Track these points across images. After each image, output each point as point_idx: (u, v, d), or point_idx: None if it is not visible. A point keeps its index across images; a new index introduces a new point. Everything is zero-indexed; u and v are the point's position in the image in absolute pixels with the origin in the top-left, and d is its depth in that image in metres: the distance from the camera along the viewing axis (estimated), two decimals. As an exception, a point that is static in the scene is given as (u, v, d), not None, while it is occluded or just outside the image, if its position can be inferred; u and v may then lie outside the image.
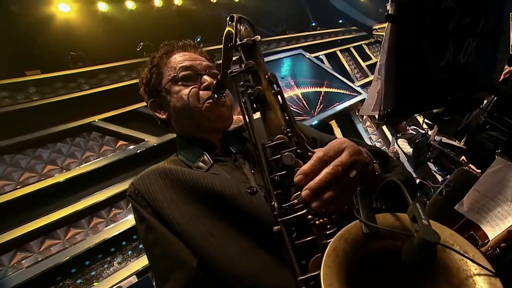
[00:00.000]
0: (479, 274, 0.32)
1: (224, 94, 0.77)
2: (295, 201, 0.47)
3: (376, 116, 0.57)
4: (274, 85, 0.55)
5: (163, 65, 0.84)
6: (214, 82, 0.73)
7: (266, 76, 0.55)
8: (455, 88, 0.64)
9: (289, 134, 0.52)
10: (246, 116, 0.55)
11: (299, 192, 0.46)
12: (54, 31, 4.29)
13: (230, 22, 0.60)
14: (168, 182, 0.72)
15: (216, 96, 0.74)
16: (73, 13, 4.51)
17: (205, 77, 0.80)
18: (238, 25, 0.58)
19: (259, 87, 0.54)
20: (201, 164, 0.75)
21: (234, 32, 0.58)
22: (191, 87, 0.79)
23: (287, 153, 0.49)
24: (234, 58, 0.62)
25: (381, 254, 0.39)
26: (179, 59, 0.83)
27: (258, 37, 0.58)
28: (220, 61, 0.66)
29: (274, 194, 0.49)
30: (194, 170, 0.74)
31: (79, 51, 4.40)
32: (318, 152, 0.47)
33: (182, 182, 0.71)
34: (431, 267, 0.37)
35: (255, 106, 0.55)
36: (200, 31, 5.29)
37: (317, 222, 0.45)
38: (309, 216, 0.46)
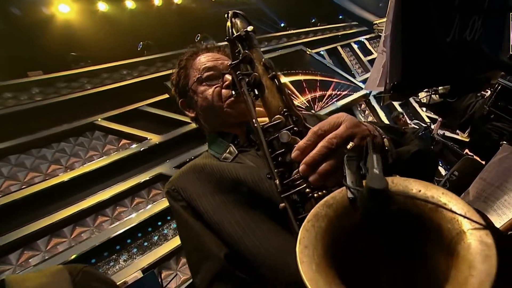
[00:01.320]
0: (470, 229, 0.31)
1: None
2: (295, 176, 0.48)
3: (382, 90, 0.56)
4: (270, 70, 0.57)
5: (189, 67, 0.91)
6: None
7: (261, 62, 0.57)
8: (462, 66, 0.63)
9: (286, 114, 0.53)
10: (247, 103, 0.57)
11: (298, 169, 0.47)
12: (55, 32, 4.31)
13: (227, 18, 0.64)
14: (199, 176, 0.79)
15: (234, 93, 0.77)
16: (73, 14, 4.52)
17: (227, 76, 0.84)
18: (233, 19, 0.62)
19: (255, 73, 0.56)
20: (227, 155, 0.81)
21: (230, 27, 0.62)
22: (214, 86, 0.85)
23: (284, 131, 0.50)
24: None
25: (364, 227, 0.37)
26: (203, 60, 0.89)
27: (251, 27, 0.60)
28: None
29: (275, 172, 0.50)
30: (221, 162, 0.80)
31: (80, 51, 4.41)
32: (313, 127, 0.48)
33: (211, 174, 0.77)
34: (422, 228, 0.36)
35: (256, 92, 0.57)
36: (200, 29, 5.28)
37: (315, 195, 0.46)
38: (307, 190, 0.46)
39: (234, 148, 0.82)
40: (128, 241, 3.08)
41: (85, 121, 3.58)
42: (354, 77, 5.94)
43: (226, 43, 0.95)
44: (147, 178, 3.39)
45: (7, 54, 3.70)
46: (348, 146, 0.44)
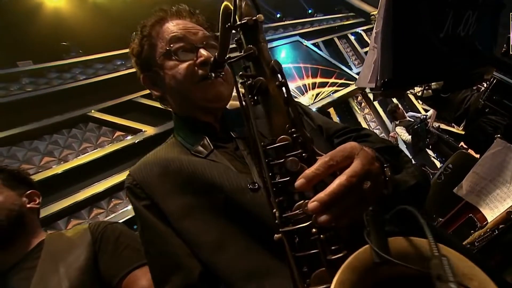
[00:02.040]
0: None
1: (222, 73, 0.71)
2: (297, 211, 0.43)
3: (373, 87, 0.55)
4: (279, 75, 0.48)
5: (155, 35, 0.75)
6: (211, 57, 0.65)
7: (270, 65, 0.48)
8: (455, 61, 0.62)
9: (294, 135, 0.45)
10: (247, 112, 0.49)
11: (303, 202, 0.42)
12: (44, 20, 4.18)
13: None
14: (164, 171, 0.68)
15: (213, 75, 0.67)
16: (62, 1, 4.39)
17: (202, 51, 0.71)
18: (237, 1, 0.49)
19: (261, 78, 0.47)
20: (200, 148, 0.70)
21: (233, 8, 0.49)
22: (186, 62, 0.71)
23: (291, 158, 0.44)
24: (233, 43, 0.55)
25: (390, 281, 0.36)
26: (171, 28, 0.74)
27: (261, 17, 0.49)
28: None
29: (276, 202, 0.44)
30: (192, 157, 0.69)
31: (71, 40, 4.30)
32: (324, 157, 0.41)
33: (180, 171, 0.67)
34: None
35: (255, 98, 0.48)
36: (196, 19, 5.18)
37: (321, 236, 0.41)
38: (314, 230, 0.41)
39: (209, 142, 0.71)
40: (118, 222, 3.09)
41: (79, 113, 3.54)
42: (350, 68, 5.92)
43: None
44: (142, 170, 3.38)
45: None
46: (365, 187, 0.40)
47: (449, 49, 0.58)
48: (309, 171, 0.40)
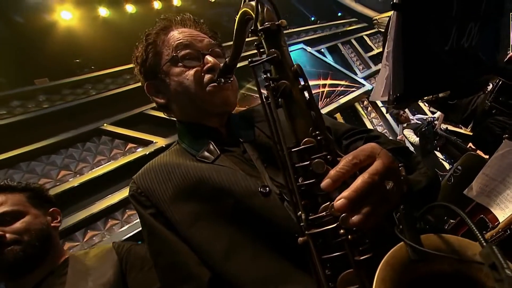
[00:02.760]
0: None
1: (231, 79, 0.71)
2: (324, 213, 0.42)
3: (386, 100, 0.60)
4: (301, 79, 0.48)
5: (160, 43, 0.75)
6: (220, 63, 0.67)
7: (292, 69, 0.48)
8: (460, 72, 0.67)
9: (318, 138, 0.45)
10: (270, 116, 0.48)
11: (329, 203, 0.41)
12: (58, 39, 4.34)
13: (247, 1, 0.53)
14: (169, 177, 0.66)
15: (222, 80, 0.68)
16: (75, 20, 4.56)
17: (208, 57, 0.71)
18: (259, 5, 0.49)
19: (285, 81, 0.47)
20: (206, 154, 0.68)
21: (254, 14, 0.50)
22: (193, 69, 0.71)
23: (317, 160, 0.43)
24: (250, 42, 0.55)
25: (426, 278, 0.37)
26: (177, 36, 0.74)
27: (284, 22, 0.49)
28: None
29: (301, 204, 0.44)
30: (198, 163, 0.67)
31: (83, 57, 4.46)
32: (348, 156, 0.42)
33: (186, 177, 0.65)
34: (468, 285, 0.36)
35: (278, 102, 0.48)
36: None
37: (349, 237, 0.40)
38: (341, 231, 0.41)
39: (215, 147, 0.69)
40: (139, 242, 3.14)
41: (92, 127, 3.65)
42: (355, 74, 5.95)
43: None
44: (155, 181, 3.44)
45: (12, 62, 3.76)
46: (388, 187, 0.41)
47: (454, 61, 0.62)
48: (333, 171, 0.41)
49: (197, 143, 0.72)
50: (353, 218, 0.38)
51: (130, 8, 5.17)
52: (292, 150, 0.46)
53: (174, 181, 0.65)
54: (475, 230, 0.34)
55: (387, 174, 0.41)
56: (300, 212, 0.44)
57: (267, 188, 0.60)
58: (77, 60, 4.36)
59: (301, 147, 0.45)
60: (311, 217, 0.43)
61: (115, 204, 3.20)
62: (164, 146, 3.68)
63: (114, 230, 3.12)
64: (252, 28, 0.51)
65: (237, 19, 0.55)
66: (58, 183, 3.14)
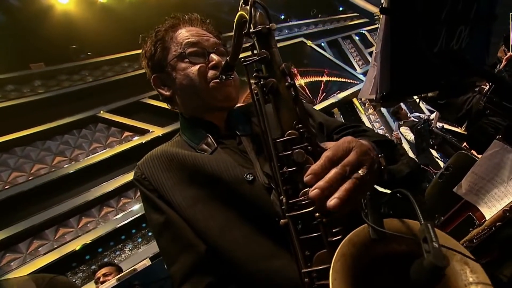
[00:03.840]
0: (475, 283, 0.35)
1: (232, 76, 0.76)
2: (303, 197, 0.48)
3: (374, 99, 0.62)
4: (288, 78, 0.53)
5: (169, 39, 0.80)
6: (222, 61, 0.72)
7: (280, 68, 0.53)
8: (448, 73, 0.68)
9: (301, 130, 0.51)
10: (259, 109, 0.54)
11: (307, 190, 0.46)
12: (55, 23, 4.27)
13: (243, 5, 0.58)
14: (170, 165, 0.73)
15: (224, 77, 0.73)
16: (71, 4, 4.47)
17: (213, 55, 0.77)
18: (252, 10, 0.55)
19: (273, 79, 0.53)
20: (205, 146, 0.75)
21: (248, 17, 0.55)
22: (199, 65, 0.76)
23: (298, 150, 0.49)
24: (246, 45, 0.61)
25: (385, 257, 0.41)
26: (185, 34, 0.79)
27: (274, 25, 0.55)
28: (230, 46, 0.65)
29: (283, 190, 0.50)
30: (196, 153, 0.74)
31: (80, 43, 4.39)
32: (327, 152, 0.47)
33: (184, 165, 0.72)
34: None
35: (266, 97, 0.54)
36: (201, 20, 5.24)
37: (324, 220, 0.46)
38: (316, 214, 0.47)
39: (213, 140, 0.75)
40: (133, 231, 3.18)
41: (88, 114, 3.63)
42: (354, 69, 5.94)
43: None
44: (150, 170, 3.46)
45: (8, 46, 3.71)
46: (360, 172, 0.46)
47: (442, 62, 0.64)
48: (316, 167, 0.46)
49: (197, 137, 0.78)
50: (321, 203, 0.44)
51: (129, -6, 5.09)
52: (277, 140, 0.52)
53: (174, 168, 0.72)
54: (418, 210, 0.39)
55: (359, 164, 0.47)
56: (282, 197, 0.50)
57: (252, 176, 0.67)
58: (74, 46, 4.30)
59: (285, 138, 0.51)
60: (291, 201, 0.49)
61: (110, 191, 3.22)
62: (160, 135, 3.68)
63: (108, 217, 3.15)
64: (245, 31, 0.56)
65: (235, 22, 0.60)
66: (53, 169, 3.15)
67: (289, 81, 0.53)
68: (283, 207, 0.49)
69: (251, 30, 0.55)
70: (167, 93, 0.83)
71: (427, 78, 0.65)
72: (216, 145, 0.74)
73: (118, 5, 4.99)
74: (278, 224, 0.51)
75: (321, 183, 0.44)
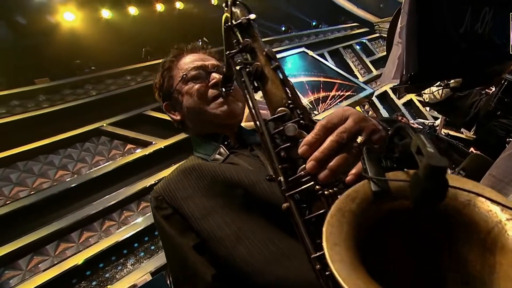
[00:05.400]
0: (510, 219, 0.29)
1: (232, 88, 0.77)
2: (302, 173, 0.44)
3: (398, 83, 0.56)
4: (273, 61, 0.53)
5: (174, 68, 0.87)
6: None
7: (264, 52, 0.53)
8: (475, 57, 0.64)
9: (291, 106, 0.49)
10: (247, 94, 0.53)
11: (305, 165, 0.43)
12: (61, 40, 4.37)
13: (226, 8, 0.60)
14: (187, 177, 0.73)
15: (224, 90, 0.75)
16: (77, 22, 4.59)
17: (214, 74, 0.81)
18: (232, 7, 0.58)
19: (257, 63, 0.52)
20: (217, 156, 0.76)
21: (229, 16, 0.58)
22: (200, 85, 0.81)
23: (289, 124, 0.46)
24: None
25: (394, 215, 0.35)
26: (188, 60, 0.86)
27: (253, 15, 0.57)
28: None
29: (279, 168, 0.46)
30: (211, 163, 0.75)
31: (84, 58, 4.47)
32: (321, 121, 0.45)
33: (202, 176, 0.72)
34: (451, 225, 0.33)
35: (255, 84, 0.53)
36: (202, 34, 5.33)
37: (325, 192, 0.42)
38: (317, 187, 0.42)
39: (225, 149, 0.77)
40: (135, 245, 3.10)
41: (91, 127, 3.62)
42: (356, 77, 5.94)
43: (202, 45, 0.93)
44: (153, 182, 3.41)
45: (14, 62, 3.77)
46: (358, 140, 0.43)
47: (468, 45, 0.60)
48: (309, 137, 0.43)
49: (209, 149, 0.80)
50: (320, 174, 0.41)
51: (133, 11, 5.21)
52: (267, 120, 0.50)
53: (190, 180, 0.73)
54: (409, 129, 0.35)
55: (357, 131, 0.44)
56: (279, 177, 0.45)
57: (272, 176, 0.64)
58: (78, 61, 4.37)
59: (275, 116, 0.49)
60: (290, 179, 0.45)
61: (113, 205, 3.17)
62: (163, 147, 3.66)
63: (110, 231, 3.08)
64: (226, 25, 0.58)
65: (222, 29, 0.61)
66: (55, 183, 3.12)
67: (275, 63, 0.53)
68: (282, 188, 0.45)
69: (233, 24, 0.57)
70: (178, 117, 0.88)
71: (455, 60, 0.61)
72: (228, 153, 0.76)
73: (121, 20, 5.11)
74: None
75: (316, 153, 0.42)
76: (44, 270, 2.63)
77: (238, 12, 0.57)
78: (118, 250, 2.98)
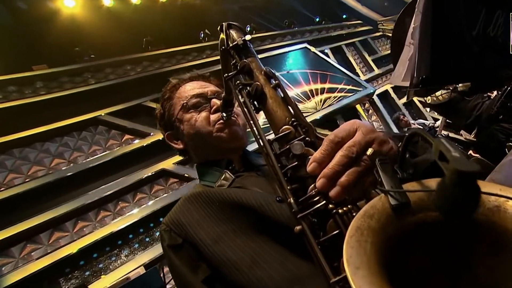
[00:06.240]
0: None
1: (233, 111, 0.76)
2: (312, 192, 0.41)
3: (407, 85, 0.54)
4: (272, 80, 0.53)
5: (174, 97, 0.86)
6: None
7: (263, 72, 0.53)
8: (485, 61, 0.62)
9: (295, 124, 0.48)
10: (248, 114, 0.52)
11: (315, 183, 0.41)
12: (60, 26, 4.32)
13: (221, 32, 0.61)
14: (194, 205, 0.72)
15: (225, 114, 0.74)
16: (78, 8, 4.53)
17: (214, 100, 0.81)
18: (228, 31, 0.59)
19: (257, 82, 0.52)
20: (223, 181, 0.75)
21: (225, 38, 0.58)
22: (202, 112, 0.80)
23: (296, 142, 0.45)
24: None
25: (419, 229, 0.32)
26: (188, 88, 0.86)
27: (248, 36, 0.57)
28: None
29: (288, 189, 0.43)
30: (217, 189, 0.73)
31: (84, 45, 4.42)
32: (329, 136, 0.43)
33: (209, 202, 0.70)
34: (483, 235, 0.30)
35: (256, 105, 0.52)
36: (205, 25, 5.27)
37: (340, 211, 0.39)
38: (330, 206, 0.40)
39: (230, 174, 0.76)
40: (130, 236, 3.09)
41: (89, 116, 3.59)
42: (358, 75, 5.91)
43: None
44: (150, 174, 3.40)
45: (12, 48, 3.72)
46: (368, 152, 0.40)
47: (479, 49, 0.58)
48: (317, 153, 0.42)
49: (214, 175, 0.78)
50: (331, 192, 0.39)
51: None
52: (272, 140, 0.48)
53: (197, 207, 0.71)
54: (426, 135, 0.31)
55: (367, 144, 0.41)
56: (289, 199, 0.43)
57: (279, 198, 0.64)
58: (77, 49, 4.31)
59: (279, 135, 0.47)
60: (301, 200, 0.42)
61: (108, 195, 3.15)
62: (161, 139, 3.62)
63: (105, 221, 3.07)
64: (222, 48, 0.59)
65: (220, 53, 0.62)
66: (50, 171, 3.09)
67: (274, 82, 0.52)
68: (293, 210, 0.42)
69: (229, 46, 0.57)
70: (180, 146, 0.87)
71: (466, 64, 0.59)
72: (233, 177, 0.75)
73: (123, 9, 5.04)
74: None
75: (326, 170, 0.39)
76: (37, 259, 2.62)
77: (234, 34, 0.58)
78: (112, 240, 2.98)
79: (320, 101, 5.03)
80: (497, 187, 0.31)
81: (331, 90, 5.28)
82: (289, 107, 0.50)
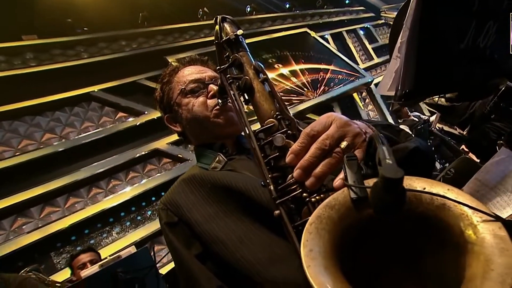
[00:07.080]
0: (480, 223, 0.30)
1: (228, 98, 0.78)
2: (290, 181, 0.46)
3: (392, 96, 0.55)
4: (261, 74, 0.57)
5: (173, 81, 0.89)
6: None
7: (252, 66, 0.57)
8: (472, 72, 0.62)
9: (279, 117, 0.52)
10: (236, 106, 0.57)
11: (292, 174, 0.46)
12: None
13: (216, 24, 0.64)
14: (189, 187, 0.77)
15: (220, 101, 0.77)
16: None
17: (211, 85, 0.83)
18: (221, 24, 0.62)
19: (246, 76, 0.56)
20: (216, 164, 0.80)
21: (218, 31, 0.62)
22: (199, 97, 0.83)
23: (278, 134, 0.49)
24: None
25: (374, 221, 0.36)
26: (186, 72, 0.88)
27: (240, 31, 0.60)
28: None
29: (269, 178, 0.48)
30: (210, 171, 0.78)
31: (77, 17, 4.23)
32: (305, 129, 0.46)
33: (202, 184, 0.75)
34: (430, 229, 0.34)
35: (246, 97, 0.56)
36: (203, 4, 5.09)
37: (312, 199, 0.44)
38: (304, 194, 0.45)
39: (223, 157, 0.80)
40: (122, 214, 3.13)
41: (81, 91, 3.51)
42: (357, 63, 5.86)
43: (206, 55, 0.95)
44: (143, 153, 3.39)
45: (2, 16, 3.54)
46: (342, 146, 0.44)
47: (467, 60, 0.58)
48: (295, 146, 0.46)
49: (208, 158, 0.83)
50: (306, 181, 0.43)
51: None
52: (257, 131, 0.53)
53: (192, 189, 0.76)
54: (377, 139, 0.35)
55: (340, 137, 0.45)
56: (270, 186, 0.48)
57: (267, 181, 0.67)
58: (69, 20, 4.13)
59: (264, 127, 0.52)
60: (280, 187, 0.47)
61: (101, 172, 3.15)
62: (155, 118, 3.59)
63: (97, 198, 3.09)
64: (216, 42, 0.62)
65: (215, 45, 0.65)
66: (41, 146, 3.05)
67: (262, 76, 0.56)
68: (273, 196, 0.47)
69: (222, 40, 0.61)
70: (179, 129, 0.90)
71: (453, 76, 0.59)
72: (226, 160, 0.79)
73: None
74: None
75: (302, 161, 0.44)
76: (28, 232, 2.64)
77: (228, 27, 0.61)
78: (104, 217, 3.01)
79: (318, 86, 5.00)
80: (445, 187, 0.35)
81: (330, 74, 5.25)
82: (275, 101, 0.54)
